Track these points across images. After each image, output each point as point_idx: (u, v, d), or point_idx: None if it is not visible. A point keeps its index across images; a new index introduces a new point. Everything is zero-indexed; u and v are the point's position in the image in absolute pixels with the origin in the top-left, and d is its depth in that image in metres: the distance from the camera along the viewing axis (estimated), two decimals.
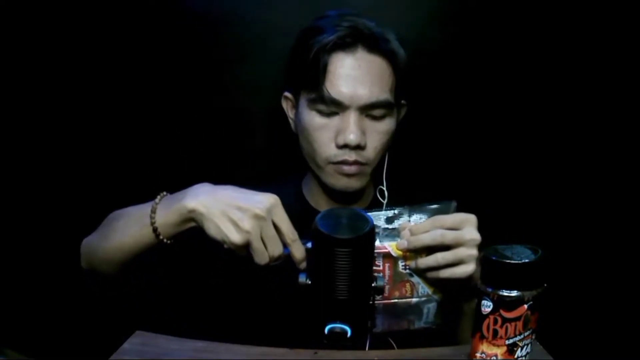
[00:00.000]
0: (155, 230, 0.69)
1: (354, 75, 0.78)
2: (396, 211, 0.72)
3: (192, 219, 0.67)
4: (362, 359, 0.67)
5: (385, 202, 0.80)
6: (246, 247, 0.65)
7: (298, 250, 0.66)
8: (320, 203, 0.90)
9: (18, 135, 1.04)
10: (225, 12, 1.03)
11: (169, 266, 0.79)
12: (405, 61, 0.83)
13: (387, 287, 0.71)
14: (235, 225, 0.64)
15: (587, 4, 1.04)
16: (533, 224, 1.10)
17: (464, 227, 0.69)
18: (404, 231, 0.70)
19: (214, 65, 1.05)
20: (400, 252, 0.71)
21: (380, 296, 0.70)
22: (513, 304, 0.54)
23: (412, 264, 0.71)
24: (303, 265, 0.66)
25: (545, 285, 0.55)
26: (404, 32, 0.85)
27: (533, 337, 0.56)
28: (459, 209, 0.72)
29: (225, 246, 0.66)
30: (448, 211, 0.72)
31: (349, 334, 0.61)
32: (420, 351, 0.68)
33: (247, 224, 0.64)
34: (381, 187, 0.83)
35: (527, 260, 0.54)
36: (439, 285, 0.72)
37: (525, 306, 0.54)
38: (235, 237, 0.64)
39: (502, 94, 1.09)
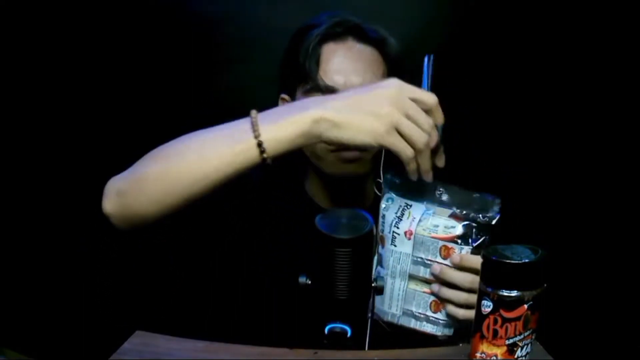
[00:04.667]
0: (260, 145, 0.62)
1: (346, 63, 0.81)
2: (447, 192, 0.73)
3: (308, 134, 0.62)
4: (362, 359, 0.67)
5: (382, 194, 0.80)
6: (392, 136, 0.61)
7: (440, 116, 0.63)
8: (324, 201, 0.90)
9: (18, 135, 1.04)
10: (225, 12, 1.03)
11: (165, 268, 0.78)
12: (396, 51, 0.84)
13: None
14: (374, 115, 0.60)
15: (587, 4, 1.04)
16: (533, 223, 1.10)
17: None
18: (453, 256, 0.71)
19: (214, 65, 1.05)
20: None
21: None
22: (513, 304, 0.54)
23: (436, 288, 0.72)
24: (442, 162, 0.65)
25: (545, 285, 0.55)
26: (404, 32, 0.85)
27: (533, 337, 0.56)
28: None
29: (368, 146, 0.61)
30: (491, 206, 0.72)
31: (349, 334, 0.61)
32: (420, 351, 0.68)
33: (386, 109, 0.60)
34: (378, 179, 0.83)
35: (527, 260, 0.54)
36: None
37: (525, 306, 0.54)
38: (379, 127, 0.60)
39: (502, 94, 1.09)
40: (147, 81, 1.05)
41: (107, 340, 0.66)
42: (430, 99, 0.63)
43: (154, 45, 1.03)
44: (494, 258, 0.55)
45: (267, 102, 1.02)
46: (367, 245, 0.60)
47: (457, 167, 1.08)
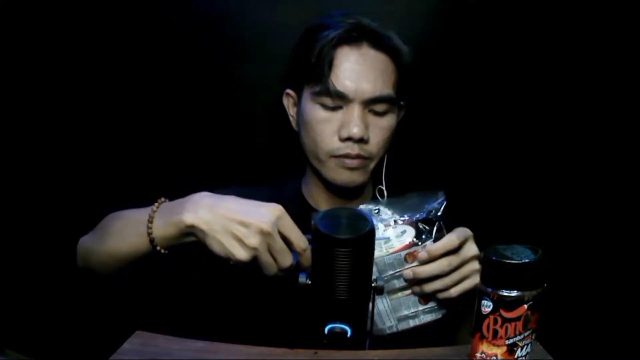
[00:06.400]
0: (152, 241, 0.68)
1: (358, 69, 0.79)
2: (383, 206, 0.74)
3: (191, 234, 0.66)
4: (362, 359, 0.67)
5: (384, 201, 0.80)
6: (254, 261, 0.64)
7: (308, 259, 0.64)
8: (320, 202, 0.90)
9: (17, 133, 1.04)
10: (226, 12, 1.03)
11: (165, 268, 0.78)
12: (408, 59, 0.84)
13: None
14: (240, 242, 0.62)
15: (587, 4, 1.04)
16: (533, 224, 1.10)
17: (465, 244, 0.71)
18: (418, 255, 0.71)
19: (214, 65, 1.05)
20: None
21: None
22: (513, 304, 0.54)
23: (417, 289, 0.72)
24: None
25: (545, 285, 0.55)
26: (404, 32, 0.85)
27: (533, 337, 0.56)
28: (449, 200, 0.74)
29: (232, 263, 0.64)
30: (434, 201, 0.74)
31: (349, 334, 0.61)
32: (420, 351, 0.67)
33: (253, 240, 0.62)
34: (380, 186, 0.83)
35: (527, 260, 0.54)
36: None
37: (525, 306, 0.54)
38: (242, 255, 0.62)
39: (501, 95, 1.09)
40: (147, 81, 1.04)
41: (107, 340, 0.66)
42: (301, 243, 0.64)
43: (154, 45, 1.03)
44: (494, 258, 0.55)
45: (267, 102, 1.03)
46: (367, 245, 0.60)
47: (453, 166, 1.10)
